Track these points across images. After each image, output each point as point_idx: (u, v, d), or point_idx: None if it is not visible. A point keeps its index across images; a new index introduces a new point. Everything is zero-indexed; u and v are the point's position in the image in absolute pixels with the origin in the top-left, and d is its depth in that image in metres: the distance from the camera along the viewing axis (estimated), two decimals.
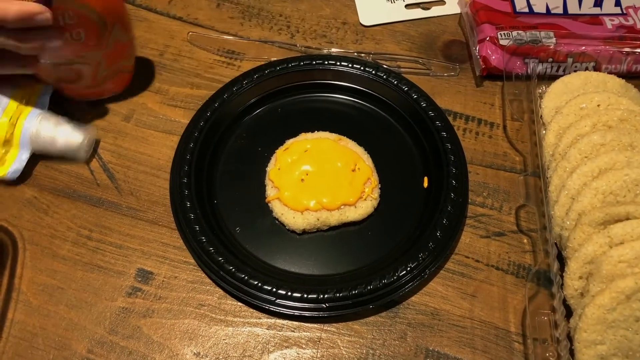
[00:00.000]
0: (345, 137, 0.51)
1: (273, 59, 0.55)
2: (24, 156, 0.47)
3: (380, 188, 0.48)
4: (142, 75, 0.56)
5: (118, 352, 0.41)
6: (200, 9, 0.62)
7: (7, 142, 0.47)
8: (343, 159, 0.48)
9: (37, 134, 0.47)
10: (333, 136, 0.51)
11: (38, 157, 0.49)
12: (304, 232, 0.46)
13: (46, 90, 0.50)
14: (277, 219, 0.47)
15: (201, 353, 0.41)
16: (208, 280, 0.44)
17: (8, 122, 0.46)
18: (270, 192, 0.48)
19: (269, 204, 0.48)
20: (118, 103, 0.54)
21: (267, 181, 0.49)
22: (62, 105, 0.52)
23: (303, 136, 0.51)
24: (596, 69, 0.54)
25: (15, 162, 0.47)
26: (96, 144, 0.51)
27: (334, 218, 0.46)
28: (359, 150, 0.50)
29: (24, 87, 0.49)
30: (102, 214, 0.48)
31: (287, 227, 0.47)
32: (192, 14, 0.61)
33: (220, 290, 0.44)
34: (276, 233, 0.47)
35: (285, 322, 0.43)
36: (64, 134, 0.47)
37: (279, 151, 0.50)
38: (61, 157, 0.49)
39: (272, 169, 0.49)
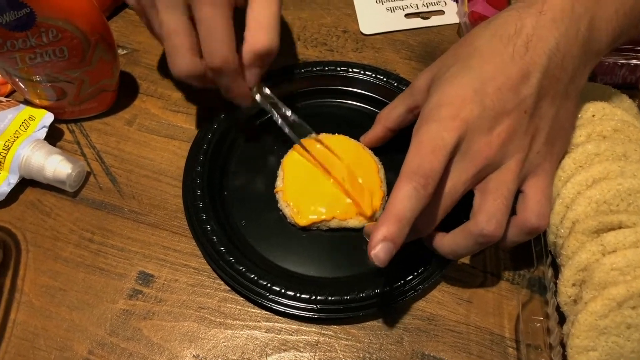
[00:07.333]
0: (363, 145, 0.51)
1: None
2: (13, 180, 0.48)
3: (386, 201, 0.48)
4: (145, 81, 0.57)
5: (119, 353, 0.42)
6: None
7: None
8: (362, 166, 0.49)
9: (27, 161, 0.48)
10: (354, 142, 0.51)
11: (29, 182, 0.50)
12: (304, 228, 0.47)
13: (45, 120, 0.51)
14: (281, 210, 0.48)
15: (200, 355, 0.42)
16: (208, 283, 0.45)
17: (3, 145, 0.48)
18: (279, 182, 0.49)
19: (276, 194, 0.49)
20: (121, 108, 0.55)
21: (279, 171, 0.50)
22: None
23: (323, 136, 0.51)
24: (592, 80, 0.54)
25: (2, 185, 0.48)
26: (99, 148, 0.52)
27: (334, 222, 0.47)
28: (376, 160, 0.50)
29: (24, 113, 0.50)
30: (104, 217, 0.48)
31: (287, 220, 0.48)
32: None
33: (220, 293, 0.45)
34: (280, 229, 0.48)
35: (283, 325, 0.43)
36: (53, 165, 0.47)
37: (298, 145, 0.50)
38: (50, 186, 0.49)
39: (286, 159, 0.50)
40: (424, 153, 0.37)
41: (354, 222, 0.47)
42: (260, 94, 0.49)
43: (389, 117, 0.48)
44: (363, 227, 0.47)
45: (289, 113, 0.49)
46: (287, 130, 0.49)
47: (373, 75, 0.55)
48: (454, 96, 0.39)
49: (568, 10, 0.39)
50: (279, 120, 0.49)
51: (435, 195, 0.38)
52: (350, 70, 0.55)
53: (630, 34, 0.44)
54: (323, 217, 0.46)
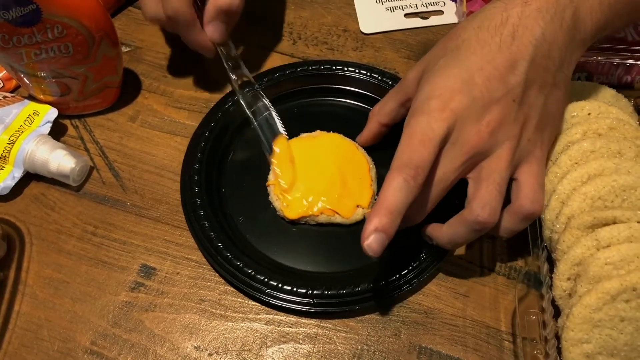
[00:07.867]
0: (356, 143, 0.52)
1: (274, 66, 0.57)
2: (17, 174, 0.49)
3: (375, 199, 0.49)
4: (148, 78, 0.58)
5: (120, 344, 0.43)
6: None
7: (3, 159, 0.48)
8: (353, 164, 0.50)
9: (32, 156, 0.48)
10: (347, 141, 0.52)
11: (33, 176, 0.50)
12: (292, 221, 0.48)
13: (49, 115, 0.51)
14: (271, 203, 0.49)
15: (201, 346, 0.43)
16: (209, 276, 0.46)
17: (7, 139, 0.48)
18: (271, 176, 0.50)
19: (268, 188, 0.49)
20: (124, 104, 0.56)
21: (272, 165, 0.50)
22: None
23: (319, 133, 0.52)
24: (588, 79, 0.55)
25: (7, 178, 0.49)
26: (102, 143, 0.53)
27: (322, 217, 0.48)
28: (368, 159, 0.51)
29: (29, 108, 0.51)
30: (107, 211, 0.49)
31: (277, 213, 0.48)
32: None
33: (220, 286, 0.45)
34: (276, 225, 0.48)
35: (283, 317, 0.44)
36: (57, 159, 0.48)
37: (293, 139, 0.51)
38: (54, 180, 0.50)
39: (278, 153, 0.50)
40: (414, 145, 0.38)
41: (341, 219, 0.48)
42: (225, 53, 0.51)
43: (381, 112, 0.49)
44: (351, 225, 0.48)
45: (246, 71, 0.52)
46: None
47: (367, 73, 0.55)
48: (442, 88, 0.40)
49: (553, 0, 0.40)
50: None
51: (426, 184, 0.39)
52: (345, 69, 0.56)
53: (616, 25, 0.45)
54: (311, 211, 0.47)
